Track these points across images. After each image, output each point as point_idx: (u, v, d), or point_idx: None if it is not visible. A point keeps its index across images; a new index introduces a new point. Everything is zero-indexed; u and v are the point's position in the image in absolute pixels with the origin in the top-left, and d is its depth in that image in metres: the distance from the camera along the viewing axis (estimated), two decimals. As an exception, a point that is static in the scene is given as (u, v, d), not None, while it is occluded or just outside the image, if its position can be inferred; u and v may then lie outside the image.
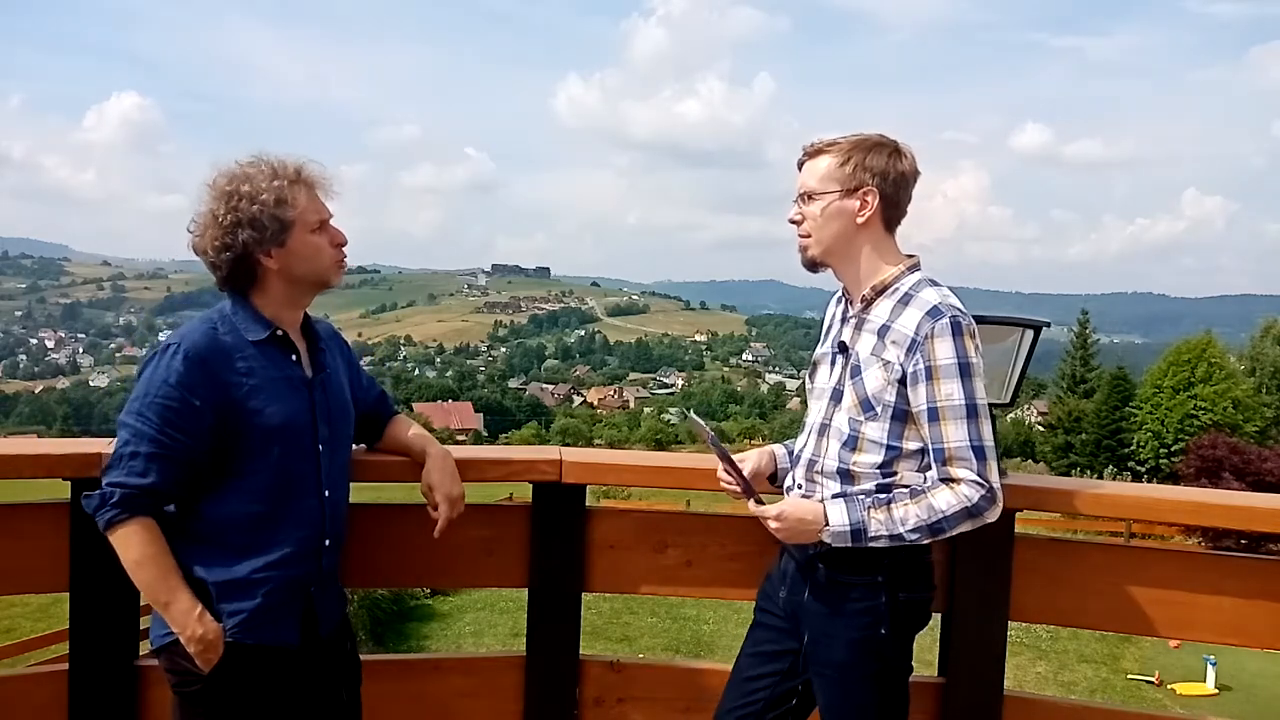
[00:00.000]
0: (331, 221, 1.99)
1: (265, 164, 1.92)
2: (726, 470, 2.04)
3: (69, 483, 2.16)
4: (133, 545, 1.82)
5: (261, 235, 1.88)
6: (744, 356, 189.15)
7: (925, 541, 1.90)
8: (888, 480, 1.92)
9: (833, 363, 2.03)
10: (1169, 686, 12.33)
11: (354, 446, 2.25)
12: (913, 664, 2.02)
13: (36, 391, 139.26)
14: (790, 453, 2.16)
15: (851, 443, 1.94)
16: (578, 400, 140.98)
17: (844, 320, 2.04)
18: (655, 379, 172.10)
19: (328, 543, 1.98)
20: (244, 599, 1.88)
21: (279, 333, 1.95)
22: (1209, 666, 12.17)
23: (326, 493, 1.97)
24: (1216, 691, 11.99)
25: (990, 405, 2.13)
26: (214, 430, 1.85)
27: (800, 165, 2.01)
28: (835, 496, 1.94)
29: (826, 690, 1.99)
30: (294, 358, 1.97)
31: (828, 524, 1.88)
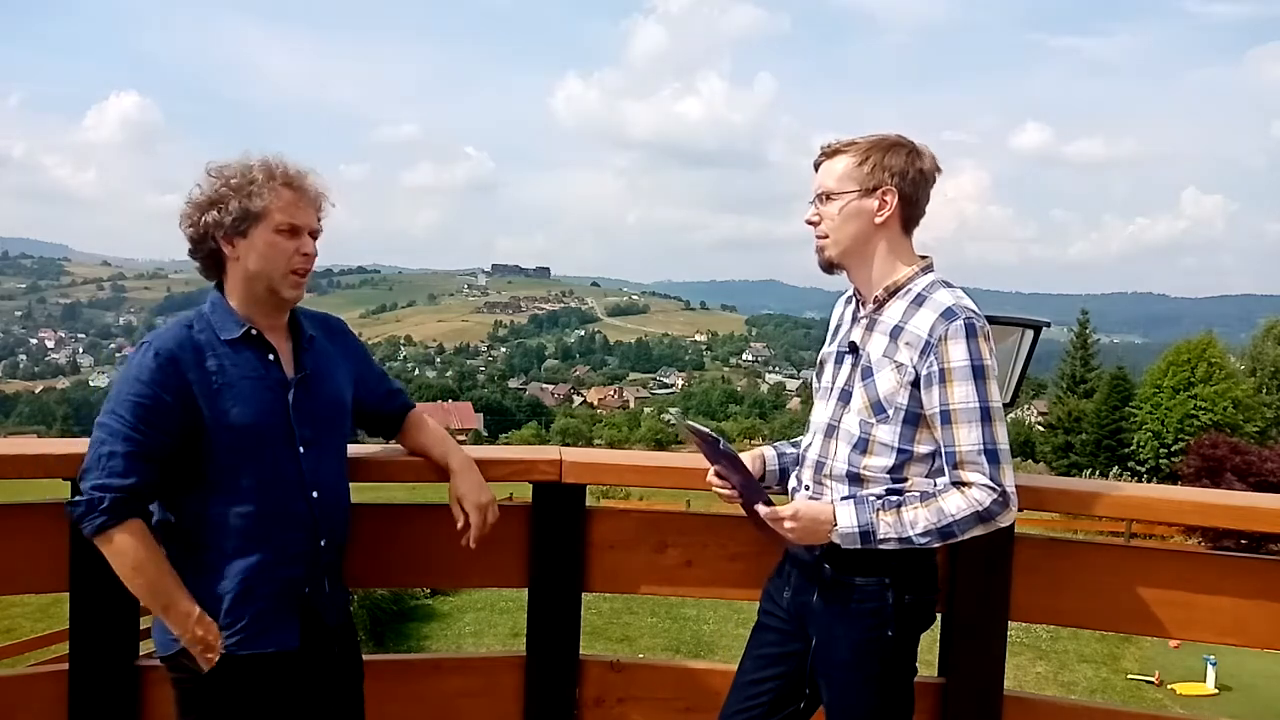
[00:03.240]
0: (316, 240, 1.96)
1: (264, 161, 1.91)
2: (721, 473, 2.02)
3: (69, 483, 2.16)
4: (126, 552, 1.80)
5: (223, 219, 1.87)
6: (744, 356, 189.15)
7: (935, 545, 1.89)
8: (897, 485, 1.90)
9: (840, 362, 2.02)
10: (1169, 686, 12.33)
11: (370, 449, 2.25)
12: (917, 665, 2.02)
13: (36, 391, 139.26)
14: (780, 455, 2.15)
15: (862, 445, 1.92)
16: (578, 400, 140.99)
17: (854, 320, 2.02)
18: (655, 379, 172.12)
19: (323, 543, 1.96)
20: (235, 608, 1.86)
21: (253, 332, 1.93)
22: (1209, 666, 12.16)
23: (314, 494, 1.94)
24: (1216, 691, 11.99)
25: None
26: (186, 427, 1.84)
27: (817, 166, 1.99)
28: (844, 499, 1.92)
29: (831, 691, 1.99)
30: (271, 357, 1.95)
31: (836, 525, 1.87)
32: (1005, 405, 2.34)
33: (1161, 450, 40.38)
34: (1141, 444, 41.62)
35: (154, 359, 1.83)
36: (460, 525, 2.09)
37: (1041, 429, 51.26)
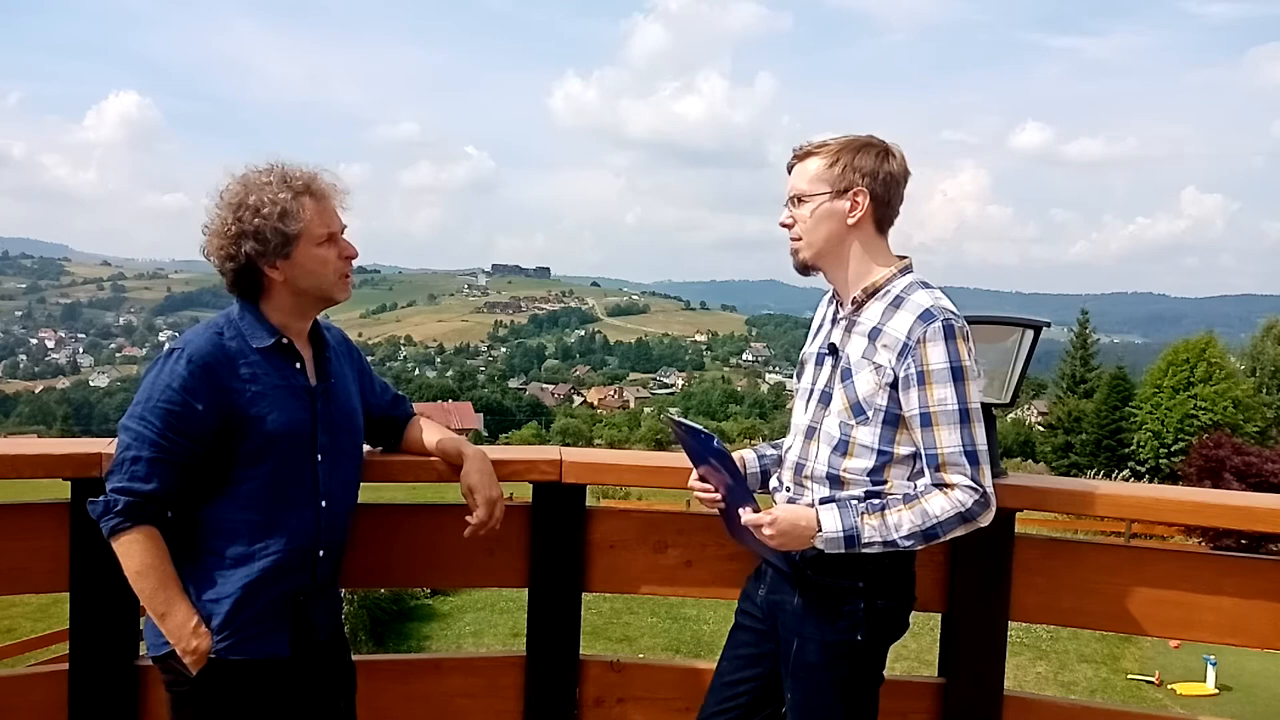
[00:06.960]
0: (345, 234, 1.97)
1: (276, 173, 1.89)
2: (706, 475, 2.00)
3: (69, 483, 2.16)
4: (134, 554, 1.81)
5: (265, 248, 1.86)
6: (744, 356, 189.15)
7: (919, 547, 1.89)
8: (877, 487, 1.90)
9: (820, 363, 2.02)
10: (1169, 686, 12.33)
11: (370, 449, 2.25)
12: (884, 673, 2.01)
13: (36, 391, 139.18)
14: (760, 457, 2.15)
15: (842, 447, 1.92)
16: (578, 400, 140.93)
17: (834, 321, 2.02)
18: (655, 379, 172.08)
19: (322, 554, 1.96)
20: (233, 613, 1.86)
21: (284, 341, 1.93)
22: (1209, 666, 12.16)
23: (324, 503, 1.95)
24: (1216, 691, 11.99)
25: (991, 405, 2.13)
26: (216, 435, 1.84)
27: (790, 168, 2.00)
28: (824, 501, 1.92)
29: (796, 691, 1.98)
30: (298, 365, 1.95)
31: (820, 530, 1.86)
32: (1005, 405, 2.35)
33: (1161, 450, 40.35)
34: (1141, 444, 41.59)
35: (186, 366, 1.83)
36: (471, 518, 2.09)
37: (1041, 429, 51.23)
